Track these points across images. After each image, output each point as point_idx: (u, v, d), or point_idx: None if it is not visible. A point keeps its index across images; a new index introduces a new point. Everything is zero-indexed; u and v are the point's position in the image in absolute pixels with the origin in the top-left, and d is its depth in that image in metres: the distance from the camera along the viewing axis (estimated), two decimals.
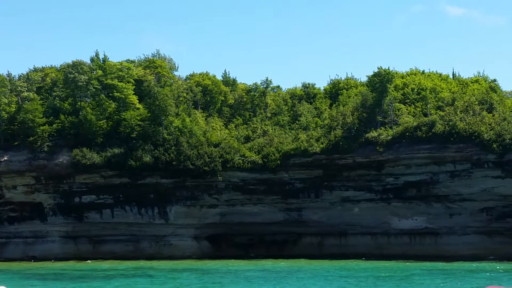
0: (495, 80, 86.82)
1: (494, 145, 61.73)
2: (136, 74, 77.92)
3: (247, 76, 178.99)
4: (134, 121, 72.53)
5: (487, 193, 63.69)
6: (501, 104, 70.99)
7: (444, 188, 64.99)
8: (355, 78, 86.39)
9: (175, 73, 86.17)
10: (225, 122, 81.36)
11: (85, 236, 72.98)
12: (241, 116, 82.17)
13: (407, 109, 71.17)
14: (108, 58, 79.51)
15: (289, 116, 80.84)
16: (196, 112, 78.03)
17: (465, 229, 66.01)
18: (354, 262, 63.06)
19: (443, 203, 65.98)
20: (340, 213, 70.26)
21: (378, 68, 70.96)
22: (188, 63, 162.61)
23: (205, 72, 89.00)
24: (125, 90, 74.47)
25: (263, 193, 70.69)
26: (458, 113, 66.32)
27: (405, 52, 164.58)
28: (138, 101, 75.65)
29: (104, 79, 75.38)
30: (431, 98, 70.45)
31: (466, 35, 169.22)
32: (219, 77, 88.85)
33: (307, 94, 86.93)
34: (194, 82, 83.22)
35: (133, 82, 76.72)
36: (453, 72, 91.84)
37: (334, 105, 78.75)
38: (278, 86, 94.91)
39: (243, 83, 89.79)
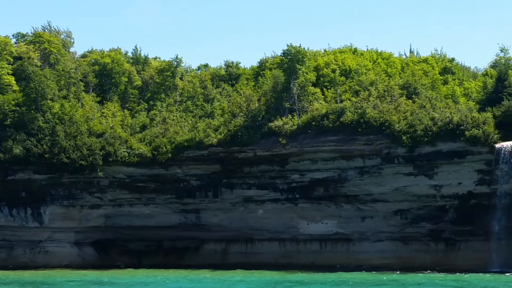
0: (453, 60, 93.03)
1: (404, 137, 67.87)
2: (15, 50, 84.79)
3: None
4: (8, 106, 79.25)
5: (399, 192, 69.86)
6: (434, 88, 77.04)
7: (353, 187, 71.24)
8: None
9: (72, 49, 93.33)
10: (129, 108, 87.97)
11: None
12: (155, 101, 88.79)
13: (323, 94, 77.42)
14: None
15: (203, 101, 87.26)
16: (85, 95, 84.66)
17: (378, 234, 72.37)
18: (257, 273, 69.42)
19: (353, 205, 72.26)
20: (243, 215, 76.69)
21: (288, 46, 77.15)
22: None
23: (116, 47, 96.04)
24: None
25: (154, 191, 77.16)
26: (371, 99, 72.46)
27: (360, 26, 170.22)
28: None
29: None
30: (349, 81, 76.69)
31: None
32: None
33: (230, 74, 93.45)
34: (91, 60, 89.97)
35: (11, 60, 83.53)
36: (410, 50, 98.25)
37: (253, 88, 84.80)
38: (207, 65, 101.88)
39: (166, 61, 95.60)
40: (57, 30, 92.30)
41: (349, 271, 69.06)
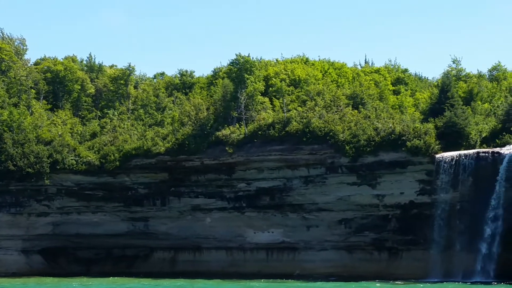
0: (406, 70, 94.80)
1: (347, 147, 69.09)
2: None
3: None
4: None
5: (343, 202, 70.93)
6: (383, 99, 78.52)
7: (298, 196, 72.24)
8: None
9: (26, 56, 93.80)
10: (82, 116, 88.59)
11: None
12: (109, 108, 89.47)
13: (272, 104, 78.53)
14: None
15: (155, 109, 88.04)
16: (35, 103, 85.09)
17: (323, 243, 73.45)
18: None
19: (299, 214, 73.26)
20: (190, 223, 77.53)
21: (236, 55, 78.25)
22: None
23: (72, 55, 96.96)
24: None
25: (102, 199, 77.88)
26: (317, 109, 73.66)
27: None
28: None
29: None
30: (297, 91, 77.89)
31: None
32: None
33: (184, 83, 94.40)
34: (43, 68, 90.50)
35: None
36: (365, 60, 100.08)
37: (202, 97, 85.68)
38: (163, 73, 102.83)
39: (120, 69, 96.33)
40: (10, 37, 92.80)
41: (295, 280, 70.11)
